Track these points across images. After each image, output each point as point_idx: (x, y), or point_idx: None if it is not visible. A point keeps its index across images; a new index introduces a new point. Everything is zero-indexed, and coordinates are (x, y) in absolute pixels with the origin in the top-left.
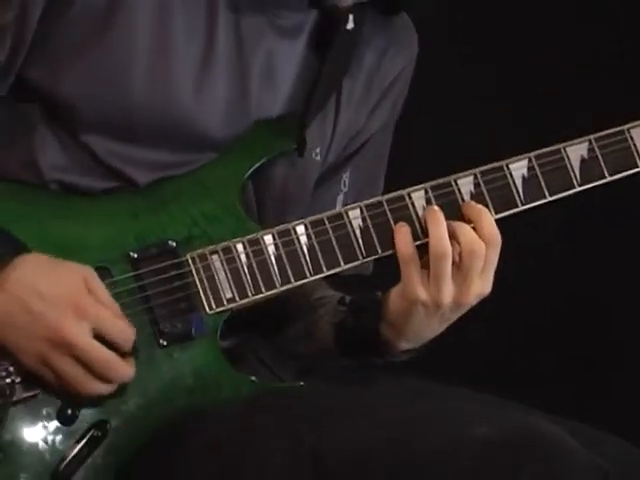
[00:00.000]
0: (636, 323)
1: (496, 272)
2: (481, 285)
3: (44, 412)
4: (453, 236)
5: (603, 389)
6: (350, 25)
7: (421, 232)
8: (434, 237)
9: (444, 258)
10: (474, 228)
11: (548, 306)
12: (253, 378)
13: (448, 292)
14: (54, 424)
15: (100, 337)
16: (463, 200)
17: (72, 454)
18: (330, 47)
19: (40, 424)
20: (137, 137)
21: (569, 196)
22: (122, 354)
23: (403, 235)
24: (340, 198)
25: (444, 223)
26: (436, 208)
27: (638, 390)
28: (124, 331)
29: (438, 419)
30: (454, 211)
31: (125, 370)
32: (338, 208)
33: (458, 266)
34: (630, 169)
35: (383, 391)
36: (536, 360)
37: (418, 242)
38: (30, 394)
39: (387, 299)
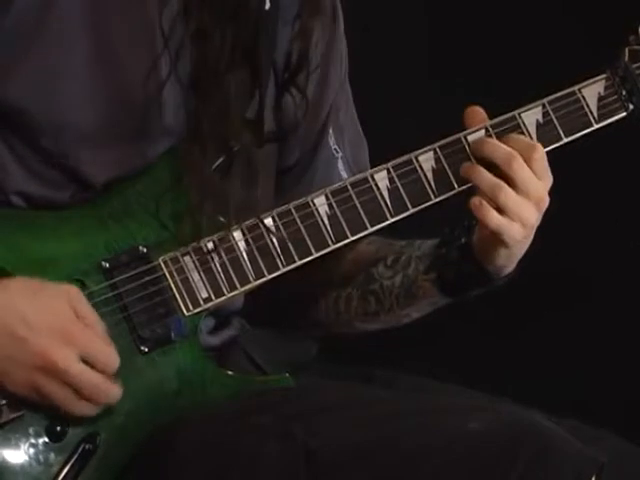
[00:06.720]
0: (636, 321)
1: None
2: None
3: (32, 431)
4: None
5: (602, 388)
6: (267, 5)
7: (387, 211)
8: (485, 183)
9: (500, 188)
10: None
11: (545, 304)
12: (238, 374)
13: (527, 209)
14: (44, 442)
15: (86, 361)
16: (425, 177)
17: (65, 470)
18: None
19: (29, 443)
20: (88, 136)
21: None
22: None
23: (479, 171)
24: (340, 165)
25: (481, 168)
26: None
27: (638, 389)
28: (110, 358)
29: (431, 415)
30: (418, 188)
31: (114, 392)
32: (343, 175)
33: (514, 186)
34: (585, 129)
35: (377, 388)
36: (535, 359)
37: (392, 220)
38: (16, 415)
39: (479, 247)
